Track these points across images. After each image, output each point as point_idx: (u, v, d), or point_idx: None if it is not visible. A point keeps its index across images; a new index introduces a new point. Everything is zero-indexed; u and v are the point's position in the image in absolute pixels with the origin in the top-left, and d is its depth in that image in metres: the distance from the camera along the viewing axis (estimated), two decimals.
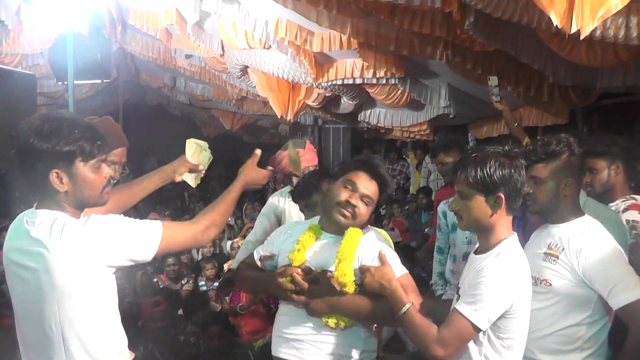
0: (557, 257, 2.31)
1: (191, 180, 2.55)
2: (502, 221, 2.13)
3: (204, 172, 2.56)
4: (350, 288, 2.28)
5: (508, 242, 2.13)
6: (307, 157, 3.20)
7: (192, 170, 2.53)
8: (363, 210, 2.38)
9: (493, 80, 4.01)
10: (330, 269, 2.32)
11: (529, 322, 2.14)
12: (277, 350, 2.40)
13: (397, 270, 2.31)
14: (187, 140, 2.53)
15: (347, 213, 2.36)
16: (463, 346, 2.06)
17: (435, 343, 2.03)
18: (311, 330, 2.33)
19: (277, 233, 2.61)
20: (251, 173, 2.41)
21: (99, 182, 1.94)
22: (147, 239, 1.94)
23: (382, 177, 2.43)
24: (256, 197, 10.64)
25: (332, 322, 2.30)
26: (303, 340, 2.34)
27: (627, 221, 2.71)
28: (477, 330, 2.02)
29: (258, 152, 2.47)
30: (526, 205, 2.53)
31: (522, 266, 2.12)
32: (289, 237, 2.48)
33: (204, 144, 2.55)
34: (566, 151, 2.34)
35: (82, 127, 1.89)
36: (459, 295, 2.20)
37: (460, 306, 2.03)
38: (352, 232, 2.35)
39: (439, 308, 2.40)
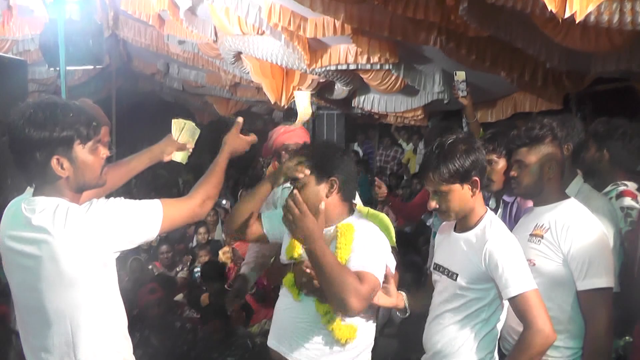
0: (542, 237, 2.36)
1: (179, 157, 2.55)
2: (478, 200, 2.29)
3: (191, 148, 2.55)
4: None
5: (488, 216, 2.28)
6: (299, 134, 3.20)
7: (180, 149, 2.53)
8: (300, 194, 2.29)
9: (460, 75, 4.06)
10: None
11: None
12: (270, 340, 2.41)
13: (385, 263, 2.28)
14: (173, 120, 2.53)
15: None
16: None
17: (543, 336, 2.10)
18: (304, 326, 2.30)
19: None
20: (235, 141, 2.40)
21: (98, 163, 1.94)
22: (149, 220, 1.95)
23: (302, 155, 2.39)
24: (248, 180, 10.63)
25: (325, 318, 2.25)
26: (292, 336, 2.31)
27: (622, 208, 2.72)
28: (536, 288, 2.15)
29: (240, 119, 2.46)
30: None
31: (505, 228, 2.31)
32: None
33: (190, 122, 2.55)
34: (549, 135, 2.41)
35: (76, 111, 1.89)
36: (455, 273, 2.27)
37: (515, 288, 2.12)
38: (345, 230, 2.28)
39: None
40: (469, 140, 2.27)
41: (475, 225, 2.26)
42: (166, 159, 2.51)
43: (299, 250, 2.35)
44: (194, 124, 2.55)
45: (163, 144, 2.51)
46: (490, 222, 2.25)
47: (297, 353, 2.28)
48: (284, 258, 2.48)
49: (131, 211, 1.92)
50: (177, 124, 2.52)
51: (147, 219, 1.94)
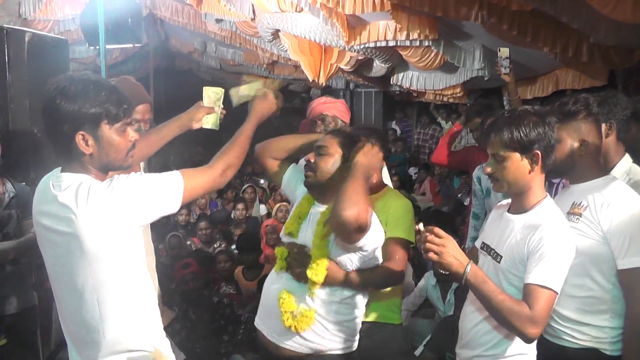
0: (580, 215, 2.29)
1: (210, 124, 2.58)
2: (538, 180, 2.14)
3: (222, 112, 2.58)
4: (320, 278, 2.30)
5: (548, 202, 2.14)
6: (339, 107, 3.14)
7: (209, 113, 2.56)
8: (319, 161, 2.40)
9: (504, 52, 4.04)
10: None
11: None
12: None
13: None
14: (204, 88, 2.58)
15: (307, 173, 2.43)
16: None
17: (528, 322, 1.95)
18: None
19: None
20: (262, 104, 2.45)
21: (124, 145, 1.94)
22: (171, 192, 1.95)
23: (338, 131, 2.50)
24: None
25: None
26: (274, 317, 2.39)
27: None
28: (557, 294, 1.99)
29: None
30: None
31: (566, 223, 2.14)
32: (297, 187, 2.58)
33: (219, 88, 2.59)
34: (583, 111, 2.33)
35: (108, 90, 1.90)
36: (500, 255, 2.15)
37: (536, 278, 1.97)
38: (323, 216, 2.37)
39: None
40: (543, 113, 2.12)
41: (531, 208, 2.13)
42: (195, 125, 2.55)
43: (297, 227, 2.42)
44: (222, 89, 2.59)
45: (192, 111, 2.55)
46: (550, 210, 2.11)
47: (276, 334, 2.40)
48: (282, 234, 2.52)
49: (152, 185, 1.92)
50: (205, 91, 2.58)
51: (168, 192, 1.95)
